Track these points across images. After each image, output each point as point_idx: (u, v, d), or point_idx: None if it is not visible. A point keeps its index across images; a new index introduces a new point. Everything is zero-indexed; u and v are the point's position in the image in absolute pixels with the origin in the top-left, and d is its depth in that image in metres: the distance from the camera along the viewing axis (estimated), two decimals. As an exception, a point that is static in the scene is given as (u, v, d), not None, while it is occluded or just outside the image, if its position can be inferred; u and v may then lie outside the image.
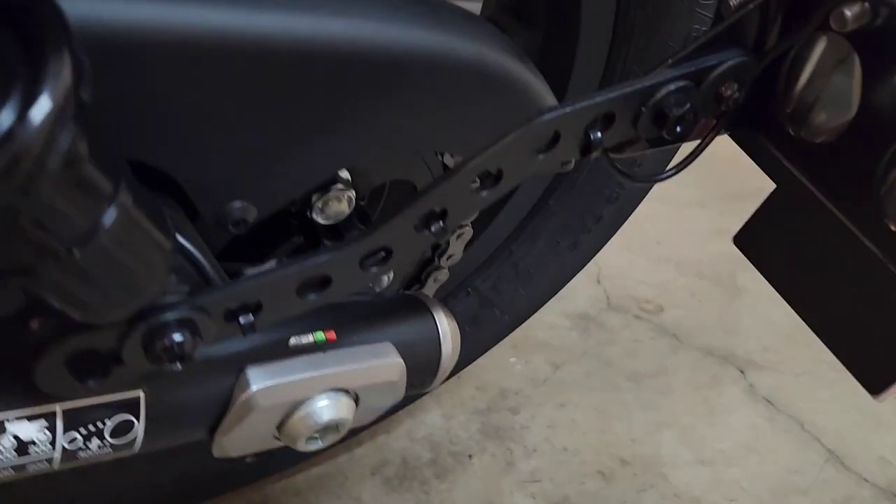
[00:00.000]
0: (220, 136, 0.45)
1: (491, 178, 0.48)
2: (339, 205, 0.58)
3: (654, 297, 1.40)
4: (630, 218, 1.00)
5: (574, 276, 1.05)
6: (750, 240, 0.62)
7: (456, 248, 0.75)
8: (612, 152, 0.53)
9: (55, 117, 0.28)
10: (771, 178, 0.59)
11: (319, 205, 0.58)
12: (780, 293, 0.59)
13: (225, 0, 0.42)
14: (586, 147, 0.48)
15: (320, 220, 0.59)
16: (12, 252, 0.32)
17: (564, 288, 1.07)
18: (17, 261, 0.33)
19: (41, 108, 0.28)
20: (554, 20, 0.80)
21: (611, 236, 1.02)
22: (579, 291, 1.37)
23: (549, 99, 0.59)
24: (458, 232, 0.73)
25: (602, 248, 1.03)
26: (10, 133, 0.28)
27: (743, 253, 0.63)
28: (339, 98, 0.47)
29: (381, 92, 0.48)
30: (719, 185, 1.61)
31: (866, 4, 0.43)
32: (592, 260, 1.04)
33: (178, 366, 0.43)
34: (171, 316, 0.42)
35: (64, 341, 0.40)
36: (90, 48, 0.32)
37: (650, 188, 0.96)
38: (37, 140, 0.28)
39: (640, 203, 0.98)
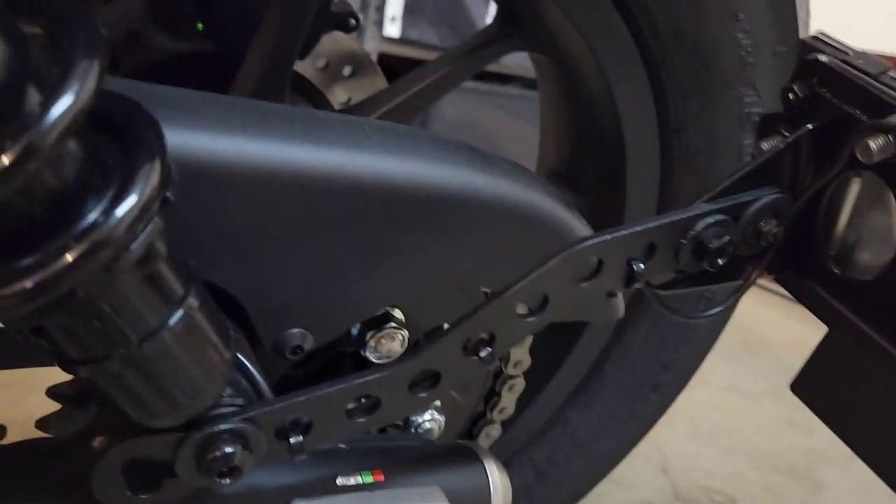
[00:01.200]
0: (286, 265, 0.48)
1: (537, 305, 0.49)
2: (392, 343, 0.60)
3: (725, 488, 1.32)
4: (697, 406, 0.98)
5: (632, 448, 1.02)
6: (807, 386, 0.61)
7: (508, 400, 0.75)
8: (661, 289, 0.55)
9: (141, 209, 0.32)
10: (822, 320, 0.59)
11: (373, 343, 0.60)
12: (842, 439, 0.56)
13: (298, 139, 0.47)
14: (629, 277, 0.50)
15: (373, 358, 0.61)
16: (87, 338, 0.35)
17: (628, 476, 1.03)
18: (90, 349, 0.36)
19: (130, 201, 0.32)
20: (602, 186, 0.84)
21: (668, 406, 1.00)
22: (644, 481, 1.31)
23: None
24: (510, 383, 0.74)
25: (660, 418, 1.00)
26: (99, 221, 0.32)
27: (801, 399, 0.61)
28: (396, 233, 0.51)
29: (436, 230, 0.51)
30: (788, 374, 1.57)
31: (890, 136, 0.45)
32: (657, 448, 1.01)
33: (228, 480, 0.44)
34: (224, 426, 0.43)
35: (122, 445, 0.41)
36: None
37: (702, 360, 0.95)
38: (123, 228, 0.32)
39: (696, 370, 0.97)
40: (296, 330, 0.52)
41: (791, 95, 0.52)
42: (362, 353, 0.61)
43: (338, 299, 0.52)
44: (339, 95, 0.93)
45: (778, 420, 1.48)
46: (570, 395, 0.96)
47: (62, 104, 0.30)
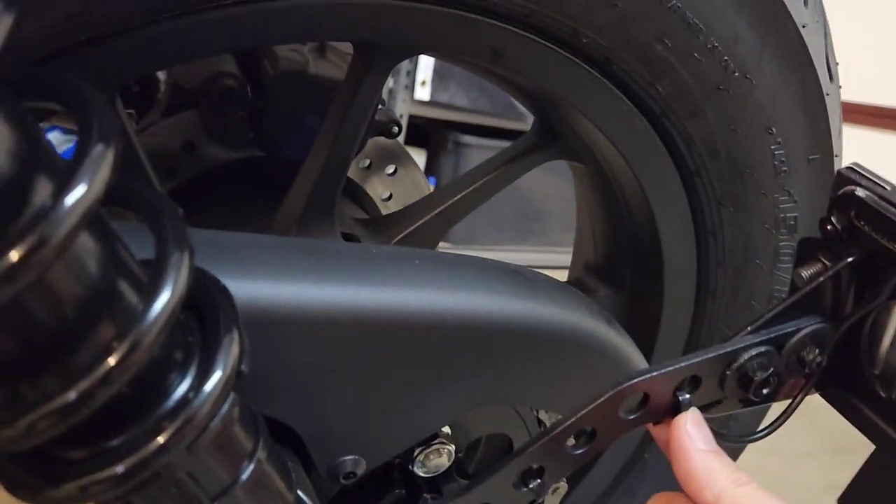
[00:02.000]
0: (342, 397, 0.50)
1: (585, 437, 0.51)
2: (440, 458, 0.62)
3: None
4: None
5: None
6: (855, 500, 0.61)
7: (552, 502, 0.76)
8: (702, 412, 0.56)
9: (223, 388, 0.35)
10: (867, 437, 0.59)
11: (421, 458, 0.62)
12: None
13: (352, 279, 0.49)
14: (675, 408, 0.51)
15: (421, 472, 0.62)
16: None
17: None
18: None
19: (213, 381, 0.35)
20: (639, 282, 0.86)
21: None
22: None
23: (638, 360, 0.64)
24: (554, 486, 0.74)
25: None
26: (186, 400, 0.34)
27: (849, 515, 0.61)
28: (447, 362, 0.53)
29: (484, 357, 0.53)
30: (828, 436, 1.55)
31: (930, 276, 0.47)
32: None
33: None
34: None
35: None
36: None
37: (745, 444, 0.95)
38: (207, 408, 0.34)
39: (737, 458, 0.97)
40: (350, 457, 0.54)
41: (829, 227, 0.53)
42: (410, 467, 0.62)
43: (391, 426, 0.54)
44: (380, 192, 0.96)
45: (817, 483, 1.45)
46: (611, 483, 0.96)
47: (162, 299, 0.32)
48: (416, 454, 0.61)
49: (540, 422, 0.72)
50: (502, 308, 0.55)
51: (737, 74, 0.66)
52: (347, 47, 0.85)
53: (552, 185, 3.20)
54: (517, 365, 0.56)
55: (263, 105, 0.80)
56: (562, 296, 0.60)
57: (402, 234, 0.78)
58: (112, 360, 0.30)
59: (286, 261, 0.49)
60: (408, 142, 3.41)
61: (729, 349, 0.52)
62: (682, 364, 0.50)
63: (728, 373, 0.52)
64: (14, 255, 0.26)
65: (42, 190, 0.28)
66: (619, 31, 0.60)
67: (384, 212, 0.96)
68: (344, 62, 0.82)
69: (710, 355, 0.51)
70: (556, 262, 3.36)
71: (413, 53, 0.63)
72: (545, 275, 0.63)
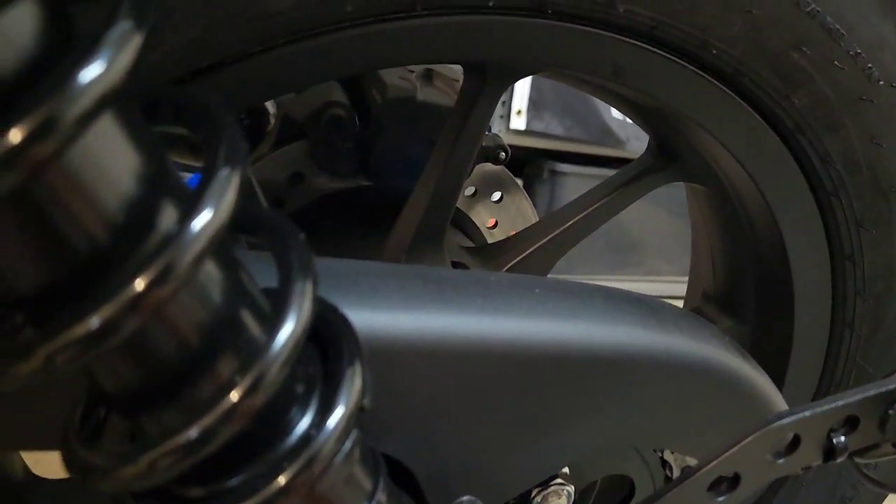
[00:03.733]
0: (460, 434, 0.47)
1: (727, 483, 0.46)
2: (558, 500, 0.58)
3: None
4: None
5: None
6: None
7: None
8: (856, 456, 0.50)
9: (346, 425, 0.32)
10: None
11: (538, 499, 0.58)
12: None
13: (473, 309, 0.47)
14: (829, 451, 0.46)
15: (539, 515, 0.59)
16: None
17: None
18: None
19: (336, 417, 0.33)
20: (765, 313, 0.80)
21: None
22: None
23: (776, 398, 0.58)
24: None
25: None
26: (308, 437, 0.32)
27: None
28: (571, 398, 0.49)
29: (610, 392, 0.50)
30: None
31: None
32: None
33: None
34: None
35: None
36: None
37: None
38: (330, 446, 0.32)
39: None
40: (466, 497, 0.51)
41: None
42: (527, 508, 0.59)
43: (511, 466, 0.51)
44: (485, 219, 0.93)
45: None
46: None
47: (287, 330, 0.30)
48: (533, 495, 0.58)
49: (664, 463, 0.67)
50: (629, 339, 0.51)
51: (881, 83, 0.60)
52: (455, 73, 0.83)
53: (649, 213, 3.11)
54: (644, 401, 0.52)
55: (371, 134, 0.80)
56: (691, 326, 0.55)
57: (511, 263, 0.76)
58: (235, 396, 0.29)
59: (404, 289, 0.47)
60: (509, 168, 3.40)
61: (889, 387, 0.46)
62: (841, 402, 0.45)
63: (891, 413, 0.46)
64: (139, 284, 0.25)
65: (168, 215, 0.27)
66: (751, 40, 0.56)
67: (489, 240, 0.94)
68: (451, 89, 0.81)
69: (872, 393, 0.45)
70: (655, 291, 3.25)
71: (527, 73, 0.61)
72: (671, 304, 0.58)
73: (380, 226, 0.74)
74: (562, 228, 0.76)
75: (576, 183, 3.09)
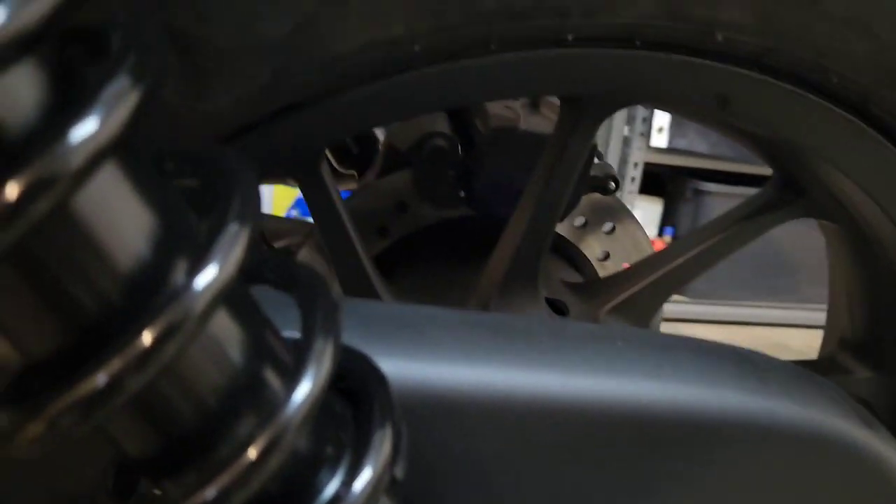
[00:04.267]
0: (520, 499, 0.44)
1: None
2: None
3: None
4: None
5: None
6: None
7: None
8: None
9: (371, 493, 0.31)
10: None
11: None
12: None
13: (541, 365, 0.44)
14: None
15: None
16: None
17: None
18: None
19: (362, 483, 0.31)
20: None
21: None
22: None
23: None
24: None
25: None
26: (337, 498, 0.31)
27: None
28: (649, 468, 0.45)
29: (697, 463, 0.45)
30: None
31: None
32: None
33: None
34: None
35: None
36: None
37: None
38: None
39: None
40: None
41: None
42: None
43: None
44: (596, 251, 0.89)
45: None
46: None
47: (304, 389, 0.29)
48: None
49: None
50: (721, 401, 0.46)
51: None
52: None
53: (803, 234, 2.88)
54: (741, 477, 0.47)
55: (474, 163, 0.78)
56: (802, 388, 0.49)
57: (615, 301, 0.71)
58: (250, 456, 0.28)
59: (471, 340, 0.44)
60: (644, 190, 3.28)
61: None
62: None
63: None
64: (140, 343, 0.25)
65: (175, 270, 0.26)
66: (880, 63, 0.49)
67: (601, 273, 0.89)
68: (557, 115, 0.78)
69: None
70: (809, 320, 3.00)
71: (625, 105, 0.57)
72: (781, 360, 0.52)
73: (481, 257, 0.73)
74: (674, 265, 0.71)
75: (721, 203, 2.93)
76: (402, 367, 0.41)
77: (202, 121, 0.44)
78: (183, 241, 0.27)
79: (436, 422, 0.41)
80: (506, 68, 0.47)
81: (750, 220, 0.70)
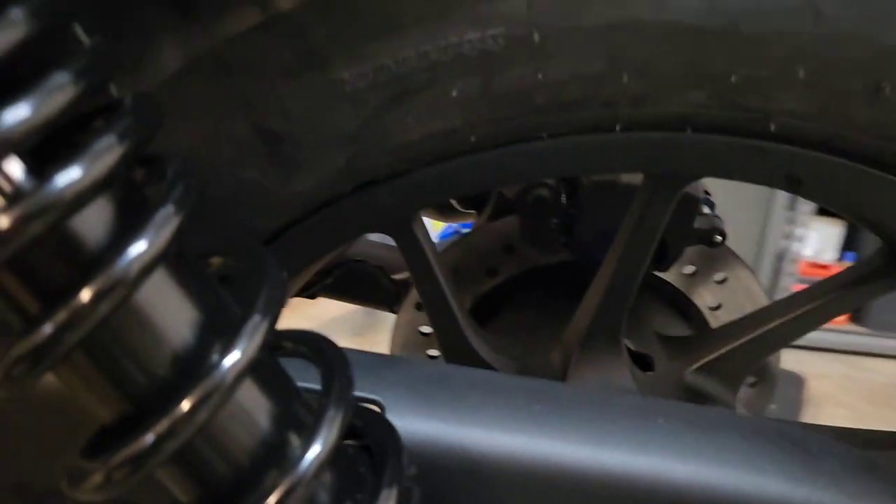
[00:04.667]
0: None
1: None
2: None
3: None
4: None
5: None
6: None
7: None
8: None
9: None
10: None
11: None
12: None
13: (573, 437, 0.47)
14: None
15: None
16: None
17: None
18: None
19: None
20: None
21: None
22: None
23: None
24: None
25: None
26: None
27: None
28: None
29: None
30: None
31: None
32: None
33: None
34: None
35: None
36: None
37: None
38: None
39: None
40: None
41: None
42: None
43: None
44: (707, 300, 0.88)
45: None
46: None
47: (319, 446, 0.35)
48: None
49: None
50: (761, 491, 0.46)
51: None
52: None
53: None
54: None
55: (576, 212, 0.81)
56: (857, 481, 0.48)
57: (703, 360, 0.71)
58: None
59: (509, 407, 0.48)
60: (824, 211, 3.06)
61: None
62: None
63: None
64: (177, 413, 0.31)
65: (211, 353, 0.33)
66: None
67: (714, 323, 0.88)
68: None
69: None
70: None
71: (697, 178, 0.58)
72: (841, 445, 0.51)
73: (574, 304, 0.75)
74: (767, 328, 0.70)
75: None
76: (437, 428, 0.46)
77: (292, 198, 0.51)
78: (217, 329, 0.33)
79: (463, 484, 0.46)
80: (559, 152, 0.50)
81: (855, 287, 0.67)
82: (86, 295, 0.29)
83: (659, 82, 0.45)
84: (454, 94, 0.46)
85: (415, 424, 0.47)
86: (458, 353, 0.71)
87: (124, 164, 0.30)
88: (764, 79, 0.45)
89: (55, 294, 0.29)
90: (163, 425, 0.31)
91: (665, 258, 0.82)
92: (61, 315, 0.29)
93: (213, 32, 0.44)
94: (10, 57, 0.28)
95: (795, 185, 0.52)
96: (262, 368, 0.35)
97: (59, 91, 0.29)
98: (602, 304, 0.67)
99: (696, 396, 0.71)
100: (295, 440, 0.36)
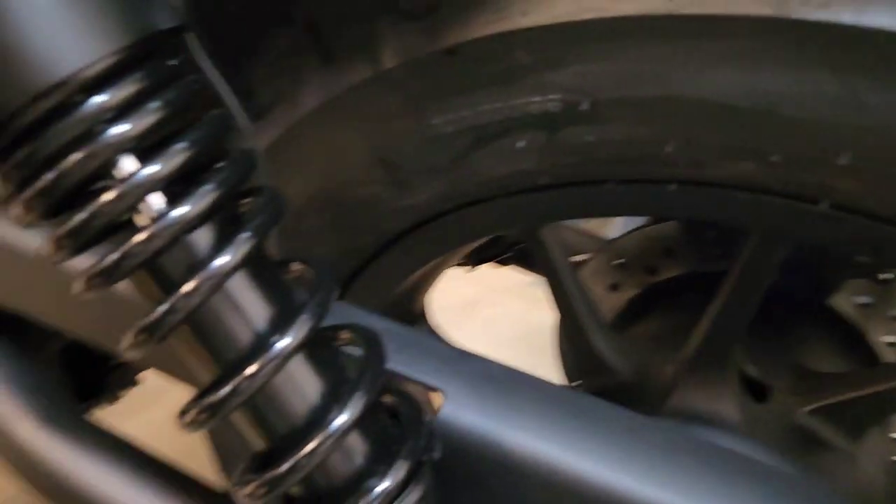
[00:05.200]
0: None
1: None
2: None
3: None
4: None
5: None
6: None
7: None
8: None
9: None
10: None
11: None
12: None
13: (598, 457, 0.51)
14: None
15: None
16: None
17: None
18: None
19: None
20: None
21: None
22: None
23: None
24: None
25: None
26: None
27: None
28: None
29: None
30: None
31: None
32: None
33: None
34: None
35: None
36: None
37: None
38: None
39: None
40: None
41: None
42: None
43: None
44: (882, 335, 0.83)
45: None
46: None
47: (346, 414, 0.46)
48: None
49: None
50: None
51: None
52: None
53: None
54: None
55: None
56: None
57: (822, 402, 0.69)
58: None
59: (550, 416, 0.54)
60: None
61: None
62: None
63: None
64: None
65: (268, 332, 0.45)
66: None
67: (893, 359, 0.83)
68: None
69: None
70: None
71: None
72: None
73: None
74: (899, 383, 0.66)
75: None
76: (483, 424, 0.54)
77: (408, 208, 0.63)
78: (279, 315, 0.45)
79: (487, 481, 0.53)
80: (622, 195, 0.54)
81: None
82: (189, 286, 0.43)
83: (706, 151, 0.47)
84: (522, 143, 0.53)
85: (466, 416, 0.55)
86: (580, 350, 0.78)
87: (225, 200, 0.43)
88: (806, 160, 0.45)
89: (173, 284, 0.42)
90: (236, 382, 0.44)
91: (824, 286, 0.79)
92: (175, 297, 0.42)
93: (340, 79, 0.56)
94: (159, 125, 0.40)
95: (878, 253, 0.51)
96: (315, 348, 0.47)
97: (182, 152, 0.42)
98: (714, 326, 0.69)
99: (807, 438, 0.70)
100: (328, 408, 0.47)
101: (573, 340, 0.77)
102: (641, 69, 0.46)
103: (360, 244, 0.65)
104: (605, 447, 0.53)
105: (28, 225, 0.41)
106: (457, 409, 0.55)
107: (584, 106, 0.49)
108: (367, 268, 0.68)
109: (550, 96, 0.50)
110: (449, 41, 0.50)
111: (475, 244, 0.72)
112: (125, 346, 0.43)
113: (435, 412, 0.58)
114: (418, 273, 0.69)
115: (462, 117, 0.54)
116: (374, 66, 0.54)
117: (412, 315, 0.86)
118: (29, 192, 0.39)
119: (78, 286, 0.42)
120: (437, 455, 0.52)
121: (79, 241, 0.40)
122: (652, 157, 0.50)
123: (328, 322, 0.47)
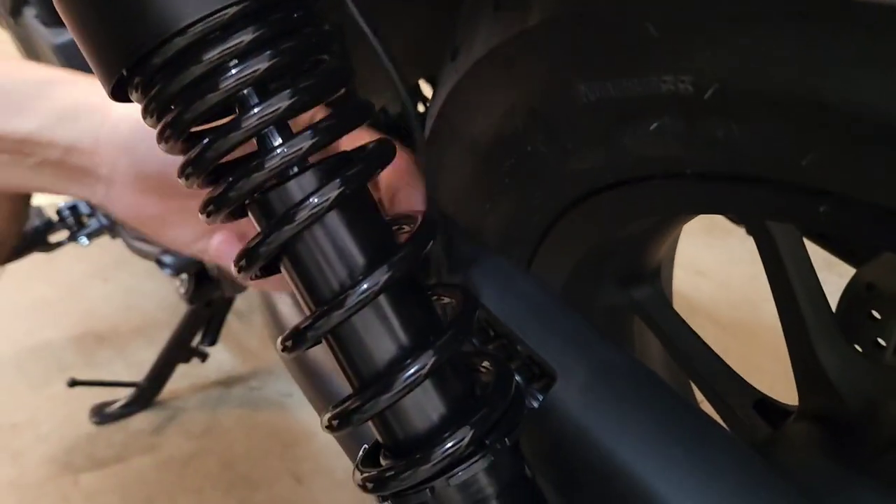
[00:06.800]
0: None
1: None
2: None
3: None
4: None
5: None
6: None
7: None
8: None
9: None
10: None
11: None
12: None
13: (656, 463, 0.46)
14: None
15: None
16: None
17: None
18: None
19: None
20: None
21: None
22: None
23: None
24: None
25: None
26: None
27: None
28: None
29: None
30: None
31: None
32: None
33: None
34: None
35: None
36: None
37: None
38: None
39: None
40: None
41: None
42: None
43: None
44: None
45: None
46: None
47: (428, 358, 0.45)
48: None
49: None
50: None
51: None
52: None
53: None
54: None
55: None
56: None
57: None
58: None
59: (657, 433, 0.48)
60: None
61: None
62: None
63: None
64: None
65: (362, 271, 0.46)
66: None
67: None
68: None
69: None
70: None
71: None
72: None
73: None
74: None
75: None
76: (579, 410, 0.50)
77: (579, 175, 0.58)
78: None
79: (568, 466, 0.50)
80: (780, 191, 0.42)
81: None
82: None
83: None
84: (659, 125, 0.44)
85: (569, 407, 0.52)
86: (803, 363, 0.65)
87: (359, 185, 0.44)
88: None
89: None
90: (343, 306, 0.45)
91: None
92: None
93: (504, 28, 0.53)
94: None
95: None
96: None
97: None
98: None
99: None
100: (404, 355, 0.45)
101: (796, 350, 0.65)
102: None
103: (539, 205, 0.63)
104: (705, 487, 0.46)
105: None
106: (563, 395, 0.53)
107: (713, 93, 0.39)
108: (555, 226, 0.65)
109: (682, 77, 0.41)
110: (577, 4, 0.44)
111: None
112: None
113: (538, 393, 0.55)
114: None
115: (603, 87, 0.47)
116: (523, 22, 0.50)
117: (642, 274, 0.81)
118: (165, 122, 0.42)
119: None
120: (516, 432, 0.48)
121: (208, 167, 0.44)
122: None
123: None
